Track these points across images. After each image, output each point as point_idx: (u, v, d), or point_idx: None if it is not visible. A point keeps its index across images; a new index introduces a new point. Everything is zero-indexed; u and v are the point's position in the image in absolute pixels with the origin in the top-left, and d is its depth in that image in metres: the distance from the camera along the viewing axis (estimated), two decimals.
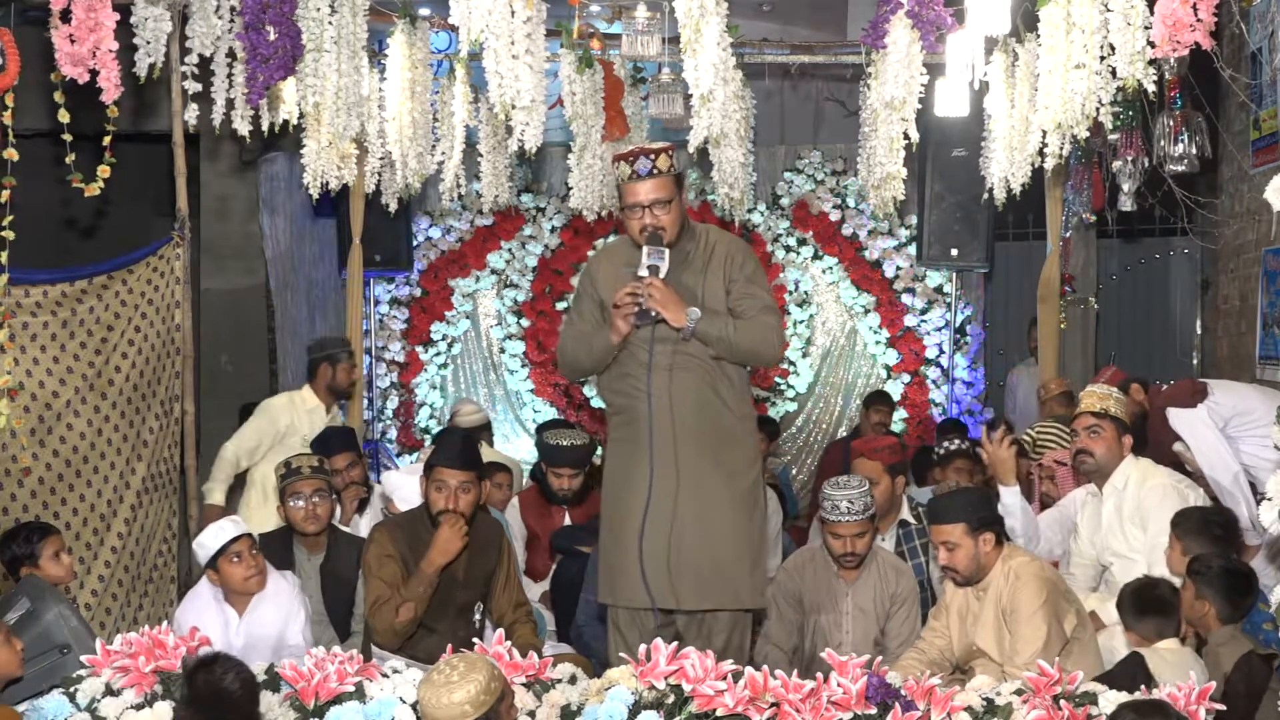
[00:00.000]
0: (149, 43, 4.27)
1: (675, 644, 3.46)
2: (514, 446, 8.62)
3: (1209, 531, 4.03)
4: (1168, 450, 4.85)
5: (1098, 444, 4.47)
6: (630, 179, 3.83)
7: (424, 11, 5.67)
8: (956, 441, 5.83)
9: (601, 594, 4.05)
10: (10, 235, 4.78)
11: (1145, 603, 3.89)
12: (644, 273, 3.80)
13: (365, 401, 7.85)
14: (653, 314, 3.78)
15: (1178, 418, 4.80)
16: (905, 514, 5.08)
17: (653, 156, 3.82)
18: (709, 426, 3.89)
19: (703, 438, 3.88)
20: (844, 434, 8.40)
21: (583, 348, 4.02)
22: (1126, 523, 4.41)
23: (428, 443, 7.95)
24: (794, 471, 8.76)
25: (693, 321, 3.79)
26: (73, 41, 3.97)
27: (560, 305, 8.83)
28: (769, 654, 4.45)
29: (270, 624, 4.26)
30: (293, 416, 6.04)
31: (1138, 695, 3.30)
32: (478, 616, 4.36)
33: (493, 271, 8.81)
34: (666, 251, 3.81)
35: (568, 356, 4.10)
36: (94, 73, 4.01)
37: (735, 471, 3.93)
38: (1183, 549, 4.02)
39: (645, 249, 3.81)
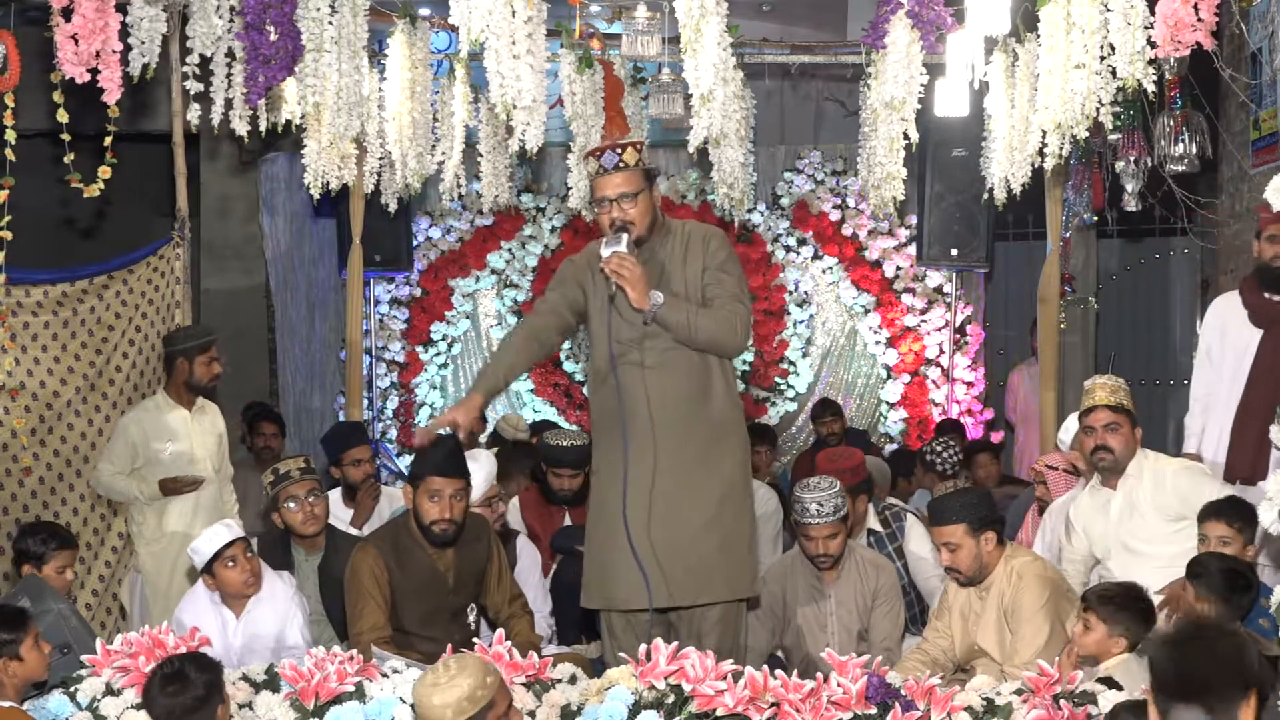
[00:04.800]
0: (144, 43, 4.26)
1: (675, 644, 3.46)
2: None
3: (1243, 513, 3.98)
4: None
5: (1117, 439, 4.33)
6: (598, 174, 3.85)
7: (424, 11, 5.67)
8: (948, 446, 6.30)
9: (591, 600, 3.99)
10: (8, 235, 4.78)
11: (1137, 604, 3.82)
12: (605, 254, 3.80)
13: (365, 401, 7.84)
14: (614, 290, 3.78)
15: None
16: (873, 523, 5.06)
17: (619, 151, 3.82)
18: (694, 419, 3.86)
19: (686, 431, 3.85)
20: (846, 432, 8.38)
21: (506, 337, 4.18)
22: (1151, 513, 4.32)
23: None
24: None
25: (655, 306, 3.77)
26: (76, 41, 3.97)
27: None
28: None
29: (268, 625, 4.26)
30: (146, 427, 5.34)
31: (1134, 695, 3.30)
32: (471, 619, 4.34)
33: (493, 271, 8.80)
34: (625, 237, 3.79)
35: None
36: (93, 72, 4.01)
37: (721, 462, 3.90)
38: (1237, 534, 3.95)
39: (606, 237, 3.83)
